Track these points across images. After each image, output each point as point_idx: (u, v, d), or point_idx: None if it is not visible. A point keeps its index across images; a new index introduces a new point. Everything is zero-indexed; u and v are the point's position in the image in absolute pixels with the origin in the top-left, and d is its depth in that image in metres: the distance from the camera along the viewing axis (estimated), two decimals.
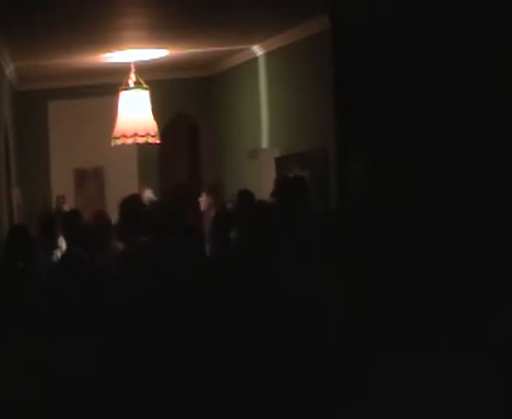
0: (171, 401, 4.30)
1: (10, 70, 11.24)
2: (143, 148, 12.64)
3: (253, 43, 11.21)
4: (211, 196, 9.33)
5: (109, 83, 11.92)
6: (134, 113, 10.48)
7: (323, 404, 4.19)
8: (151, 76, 11.39)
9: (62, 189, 12.89)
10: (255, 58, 11.67)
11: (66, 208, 11.56)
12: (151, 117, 10.62)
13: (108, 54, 10.77)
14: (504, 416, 3.88)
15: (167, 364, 4.37)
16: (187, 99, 13.80)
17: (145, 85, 10.65)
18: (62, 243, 7.03)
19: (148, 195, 10.84)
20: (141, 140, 10.61)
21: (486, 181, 6.66)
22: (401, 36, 7.61)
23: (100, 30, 9.20)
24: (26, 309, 4.48)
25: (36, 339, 4.29)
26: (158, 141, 10.87)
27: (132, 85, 10.59)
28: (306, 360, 4.27)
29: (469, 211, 6.68)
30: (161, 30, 9.57)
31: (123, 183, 13.32)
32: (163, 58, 11.40)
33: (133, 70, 10.63)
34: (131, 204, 5.99)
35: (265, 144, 11.59)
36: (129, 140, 10.54)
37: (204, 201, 9.26)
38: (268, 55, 11.33)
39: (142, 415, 4.32)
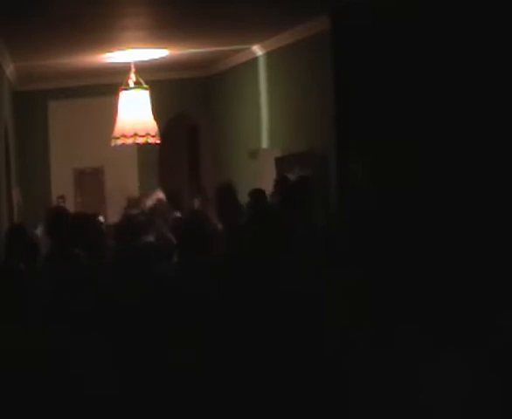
0: (170, 400, 4.30)
1: (10, 70, 11.24)
2: (143, 148, 12.64)
3: (253, 43, 11.21)
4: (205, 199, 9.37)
5: (109, 83, 11.93)
6: (134, 113, 10.48)
7: (322, 404, 4.19)
8: (151, 76, 11.39)
9: (62, 189, 12.90)
10: (255, 58, 11.68)
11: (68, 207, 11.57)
12: (151, 117, 10.62)
13: (108, 54, 10.77)
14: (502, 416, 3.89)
15: (162, 366, 4.38)
16: (187, 99, 13.81)
17: (145, 85, 10.65)
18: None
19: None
20: (141, 140, 10.61)
21: (485, 182, 6.65)
22: (401, 36, 7.61)
23: (100, 30, 9.20)
24: (27, 309, 4.48)
25: (36, 339, 4.29)
26: (158, 141, 10.87)
27: (132, 85, 10.59)
28: (304, 359, 4.27)
29: (470, 215, 6.67)
30: (161, 30, 9.57)
31: (123, 183, 13.35)
32: (163, 58, 11.40)
33: (133, 70, 10.63)
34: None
35: (265, 144, 11.59)
36: (129, 140, 10.54)
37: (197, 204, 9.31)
38: (268, 55, 11.33)
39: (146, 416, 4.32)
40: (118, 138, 10.53)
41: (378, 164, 7.55)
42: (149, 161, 13.56)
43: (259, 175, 10.95)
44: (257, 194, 7.61)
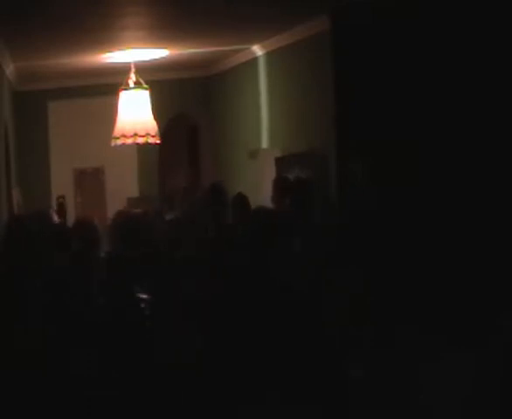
0: (170, 400, 4.30)
1: (10, 70, 11.25)
2: (143, 148, 12.64)
3: (253, 43, 11.21)
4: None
5: (109, 83, 11.93)
6: (134, 113, 10.48)
7: (323, 404, 4.19)
8: (151, 76, 11.39)
9: (62, 189, 12.86)
10: (255, 58, 11.68)
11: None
12: (151, 117, 10.62)
13: (108, 54, 10.77)
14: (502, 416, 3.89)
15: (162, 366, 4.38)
16: (187, 99, 13.81)
17: (145, 85, 10.65)
18: None
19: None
20: (141, 140, 10.60)
21: (485, 182, 6.65)
22: (401, 36, 7.62)
23: (100, 30, 9.20)
24: (27, 309, 4.49)
25: (36, 339, 4.29)
26: (158, 141, 10.87)
27: (132, 85, 10.58)
28: (304, 359, 4.27)
29: (470, 215, 6.67)
30: (161, 30, 9.57)
31: (123, 183, 13.36)
32: (163, 58, 11.40)
33: (133, 70, 10.63)
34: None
35: (265, 144, 11.59)
36: (129, 140, 10.53)
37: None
38: (268, 55, 11.33)
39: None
40: (118, 138, 10.53)
41: (378, 164, 7.55)
42: (149, 161, 13.56)
43: (259, 175, 10.95)
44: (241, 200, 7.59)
